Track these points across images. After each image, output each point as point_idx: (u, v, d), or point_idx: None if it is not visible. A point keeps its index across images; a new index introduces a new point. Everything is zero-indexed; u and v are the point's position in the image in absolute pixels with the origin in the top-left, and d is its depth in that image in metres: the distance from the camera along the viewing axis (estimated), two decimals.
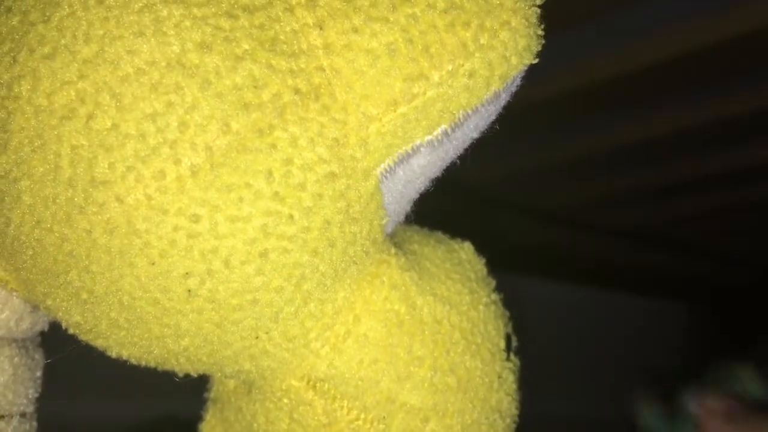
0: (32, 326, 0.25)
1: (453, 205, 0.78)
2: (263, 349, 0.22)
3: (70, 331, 0.23)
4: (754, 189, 0.78)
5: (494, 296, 0.26)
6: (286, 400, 0.23)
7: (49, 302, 0.22)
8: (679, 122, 0.62)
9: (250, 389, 0.24)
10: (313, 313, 0.22)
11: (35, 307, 0.24)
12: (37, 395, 0.27)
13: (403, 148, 0.21)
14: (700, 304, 1.27)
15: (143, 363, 0.23)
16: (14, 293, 0.23)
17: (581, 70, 0.54)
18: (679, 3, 0.47)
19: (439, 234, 0.27)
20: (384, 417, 0.23)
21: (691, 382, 0.50)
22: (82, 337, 0.22)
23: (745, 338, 1.05)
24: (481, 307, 0.25)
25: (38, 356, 0.28)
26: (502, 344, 0.25)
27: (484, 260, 0.27)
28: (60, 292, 0.21)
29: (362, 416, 0.22)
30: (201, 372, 0.23)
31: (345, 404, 0.22)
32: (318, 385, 0.22)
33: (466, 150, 0.23)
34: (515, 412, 0.26)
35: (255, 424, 0.24)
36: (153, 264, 0.20)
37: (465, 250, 0.26)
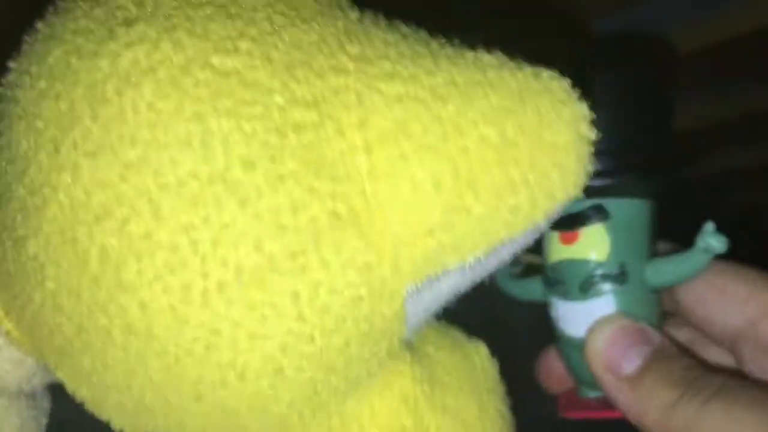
0: (43, 380, 0.25)
1: None
2: None
3: (78, 398, 0.23)
4: (753, 190, 0.78)
5: (502, 407, 0.26)
6: None
7: (59, 374, 0.22)
8: (679, 123, 0.62)
9: None
10: (321, 424, 0.22)
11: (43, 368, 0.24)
12: None
13: (434, 271, 0.21)
14: None
15: None
16: (29, 355, 0.24)
17: None
18: (678, 4, 0.47)
19: (456, 332, 0.27)
20: None
21: None
22: (88, 407, 0.23)
23: None
24: (488, 421, 0.25)
25: (45, 404, 0.28)
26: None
27: (497, 366, 0.27)
28: (71, 370, 0.21)
29: None
30: None
31: None
32: None
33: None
34: None
35: None
36: (167, 368, 0.20)
37: (480, 355, 0.26)
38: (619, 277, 0.25)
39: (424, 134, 0.19)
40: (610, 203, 0.25)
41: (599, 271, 0.25)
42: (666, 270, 0.25)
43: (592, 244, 0.25)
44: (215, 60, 0.19)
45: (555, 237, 0.25)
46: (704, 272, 0.24)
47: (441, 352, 0.25)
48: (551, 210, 0.21)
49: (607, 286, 0.25)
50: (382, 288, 0.20)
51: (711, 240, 0.24)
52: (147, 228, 0.19)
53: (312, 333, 0.20)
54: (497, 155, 0.20)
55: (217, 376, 0.20)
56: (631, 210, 0.26)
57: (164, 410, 0.21)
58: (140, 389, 0.20)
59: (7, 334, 0.23)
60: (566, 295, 0.25)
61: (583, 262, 0.25)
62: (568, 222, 0.24)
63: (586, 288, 0.25)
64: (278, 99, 0.19)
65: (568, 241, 0.25)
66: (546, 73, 0.20)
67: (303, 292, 0.19)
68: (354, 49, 0.20)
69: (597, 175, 0.22)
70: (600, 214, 0.25)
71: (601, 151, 0.23)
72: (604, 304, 0.25)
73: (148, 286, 0.19)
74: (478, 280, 0.23)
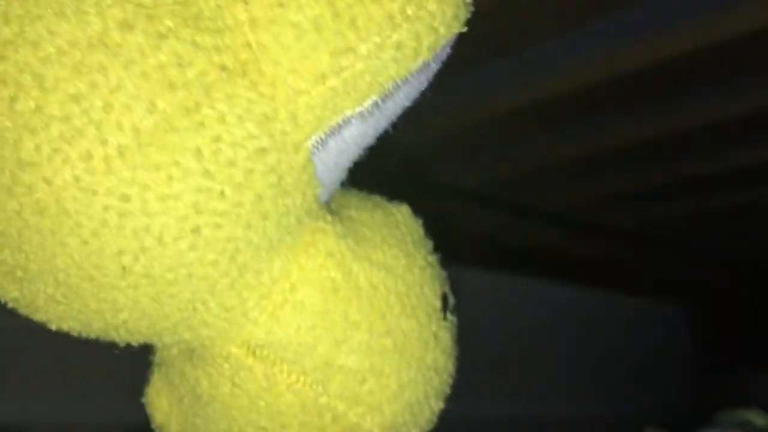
0: None
1: (452, 206, 0.78)
2: (201, 319, 0.22)
3: (10, 305, 0.23)
4: (754, 190, 0.78)
5: (430, 258, 0.26)
6: (227, 366, 0.23)
7: None
8: (679, 122, 0.62)
9: (192, 355, 0.24)
10: (249, 283, 0.22)
11: None
12: None
13: (334, 120, 0.21)
14: (701, 304, 1.27)
15: (84, 335, 0.23)
16: None
17: (581, 71, 0.54)
18: (678, 4, 0.47)
19: (377, 197, 0.27)
20: (322, 379, 0.23)
21: (700, 425, 0.50)
22: (22, 312, 0.23)
23: (745, 339, 1.05)
24: (416, 270, 0.25)
25: None
26: (438, 304, 0.26)
27: (420, 222, 0.27)
28: None
29: (301, 379, 0.23)
30: (142, 342, 0.24)
31: (284, 368, 0.23)
32: (257, 351, 0.23)
33: (399, 117, 0.24)
34: (451, 368, 0.26)
35: (198, 389, 0.24)
36: (85, 243, 0.20)
37: (402, 213, 0.27)
38: None
39: None
40: None
41: None
42: None
43: None
44: None
45: None
46: None
47: (363, 213, 0.25)
48: (436, 45, 0.21)
49: None
50: (284, 139, 0.21)
51: None
52: (36, 102, 0.19)
53: (222, 189, 0.20)
54: None
55: (135, 243, 0.20)
56: None
57: (93, 293, 0.21)
58: (64, 272, 0.21)
59: None
60: None
61: None
62: None
63: None
64: None
65: None
66: None
67: (205, 148, 0.20)
68: None
69: None
70: None
71: None
72: None
73: (48, 161, 0.19)
74: (380, 129, 0.23)
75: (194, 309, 0.22)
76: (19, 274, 0.21)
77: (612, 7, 0.46)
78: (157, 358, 0.26)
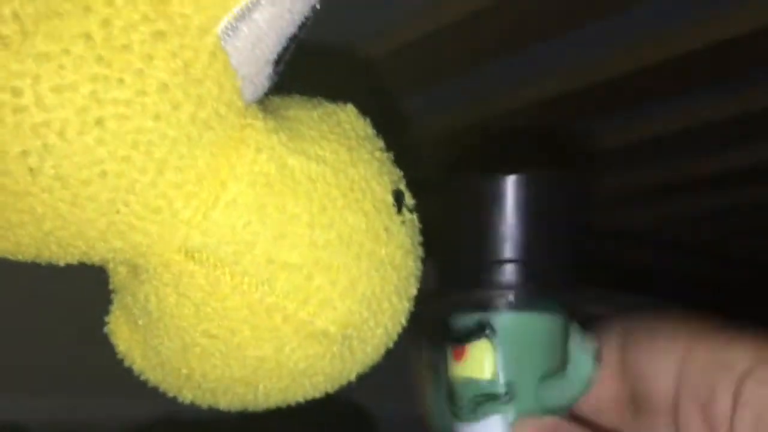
0: None
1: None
2: (129, 223, 0.21)
3: None
4: (754, 190, 0.78)
5: (379, 154, 0.25)
6: (168, 275, 0.23)
7: None
8: (678, 123, 0.62)
9: (138, 272, 0.23)
10: (173, 181, 0.21)
11: None
12: None
13: (240, 2, 0.21)
14: (701, 304, 1.27)
15: (21, 258, 0.23)
16: None
17: (581, 72, 0.54)
18: (678, 4, 0.47)
19: (321, 99, 0.26)
20: (267, 278, 0.22)
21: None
22: None
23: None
24: (360, 164, 0.24)
25: None
26: (390, 199, 0.25)
27: (368, 120, 0.26)
28: None
29: (245, 280, 0.22)
30: (80, 259, 0.23)
31: (226, 270, 0.22)
32: (196, 255, 0.22)
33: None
34: (413, 266, 0.25)
35: (148, 306, 0.24)
36: None
37: (346, 111, 0.26)
38: (506, 397, 0.24)
39: None
40: (502, 317, 0.24)
41: (486, 390, 0.24)
42: (554, 392, 0.24)
43: (479, 362, 0.24)
44: None
45: (449, 353, 0.24)
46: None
47: (300, 111, 0.25)
48: None
49: (494, 407, 0.24)
50: (186, 22, 0.20)
51: (581, 365, 0.24)
52: None
53: (120, 76, 0.19)
54: None
55: (37, 142, 0.19)
56: (523, 325, 0.24)
57: (9, 203, 0.20)
58: None
59: None
60: (459, 416, 0.24)
61: (470, 381, 0.24)
62: (458, 337, 0.24)
63: (473, 408, 0.24)
64: None
65: (458, 357, 0.24)
66: None
67: (95, 34, 0.19)
68: None
69: (495, 286, 0.22)
70: (485, 329, 0.24)
71: (500, 261, 0.23)
72: (492, 426, 0.24)
73: None
74: (297, 12, 0.22)
75: (117, 211, 0.21)
76: None
77: (611, 9, 0.47)
78: (111, 285, 0.26)
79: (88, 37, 0.19)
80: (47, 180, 0.20)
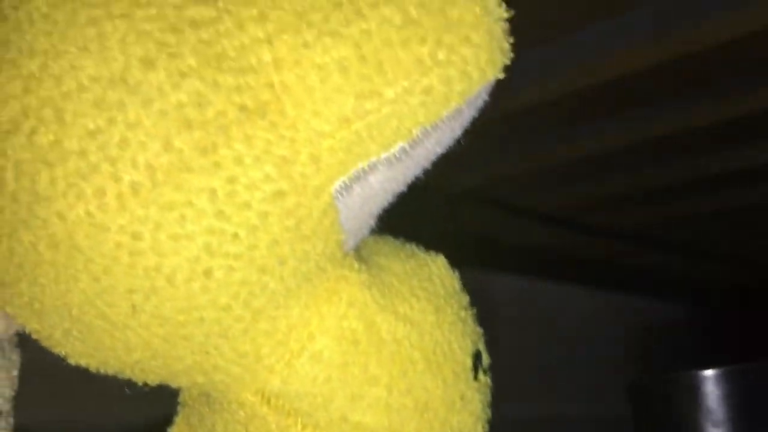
0: (7, 328, 0.25)
1: (452, 206, 0.78)
2: (214, 364, 0.22)
3: (34, 336, 0.23)
4: (754, 190, 0.78)
5: (464, 313, 0.25)
6: (241, 413, 0.23)
7: (8, 309, 0.22)
8: (678, 123, 0.62)
9: (209, 399, 0.24)
10: (264, 329, 0.21)
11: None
12: (13, 394, 0.27)
13: (359, 165, 0.21)
14: (701, 304, 1.27)
15: (103, 371, 0.23)
16: None
17: (581, 73, 0.54)
18: (677, 7, 0.47)
19: (412, 246, 0.26)
20: None
21: None
22: (44, 344, 0.23)
23: (745, 339, 1.05)
24: (446, 325, 0.24)
25: (15, 357, 0.28)
26: (469, 363, 0.25)
27: (457, 275, 0.26)
28: (15, 300, 0.21)
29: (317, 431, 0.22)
30: (158, 382, 0.24)
31: (298, 420, 0.22)
32: (272, 400, 0.22)
33: (433, 163, 0.23)
34: (481, 430, 0.25)
35: (214, 429, 0.24)
36: (97, 280, 0.20)
37: (437, 264, 0.26)
38: None
39: (324, 21, 0.19)
40: None
41: None
42: None
43: None
44: None
45: None
46: None
47: (393, 261, 0.25)
48: (469, 91, 0.21)
49: None
50: (305, 182, 0.20)
51: None
52: (55, 136, 0.19)
53: (236, 231, 0.20)
54: (401, 35, 0.20)
55: (146, 282, 0.20)
56: None
57: (106, 329, 0.21)
58: (78, 308, 0.20)
59: None
60: None
61: None
62: None
63: None
64: None
65: None
66: None
67: (219, 189, 0.19)
68: None
69: None
70: None
71: None
72: None
73: (63, 196, 0.19)
74: (410, 175, 0.22)
75: (207, 353, 0.21)
76: (37, 306, 0.21)
77: (612, 10, 0.47)
78: (180, 398, 0.26)
79: (213, 192, 0.19)
80: (146, 317, 0.21)
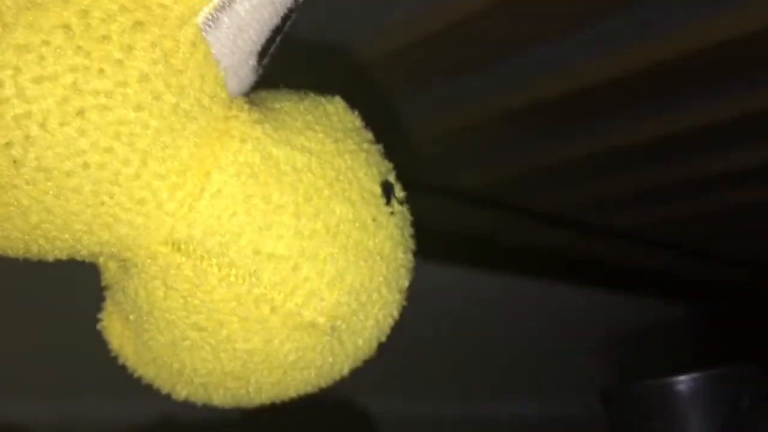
0: None
1: (453, 206, 0.78)
2: (114, 215, 0.22)
3: None
4: (753, 190, 0.78)
5: (368, 145, 0.25)
6: (155, 268, 0.23)
7: None
8: (679, 123, 0.62)
9: (126, 267, 0.24)
10: (157, 172, 0.21)
11: None
12: None
13: None
14: (701, 304, 1.27)
15: (11, 253, 0.23)
16: None
17: (581, 72, 0.54)
18: (676, 7, 0.47)
19: (308, 92, 0.26)
20: (253, 269, 0.22)
21: None
22: None
23: (744, 339, 1.05)
24: (347, 155, 0.24)
25: None
26: (378, 190, 0.25)
27: (357, 114, 0.26)
28: None
29: (232, 271, 0.22)
30: (70, 255, 0.23)
31: (213, 262, 0.22)
32: (182, 246, 0.22)
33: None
34: (403, 258, 0.25)
35: (138, 300, 0.24)
36: None
37: (334, 104, 0.26)
38: None
39: None
40: None
41: None
42: None
43: None
44: None
45: None
46: None
47: (285, 102, 0.25)
48: None
49: None
50: (164, 12, 0.21)
51: None
52: None
53: (100, 67, 0.20)
54: None
55: (20, 132, 0.20)
56: None
57: None
58: None
59: None
60: None
61: None
62: None
63: None
64: None
65: None
66: None
67: (74, 24, 0.19)
68: None
69: None
70: None
71: None
72: None
73: None
74: (281, 4, 0.23)
75: (102, 203, 0.21)
76: None
77: (611, 9, 0.47)
78: (102, 282, 0.26)
79: (67, 27, 0.19)
80: (31, 172, 0.20)
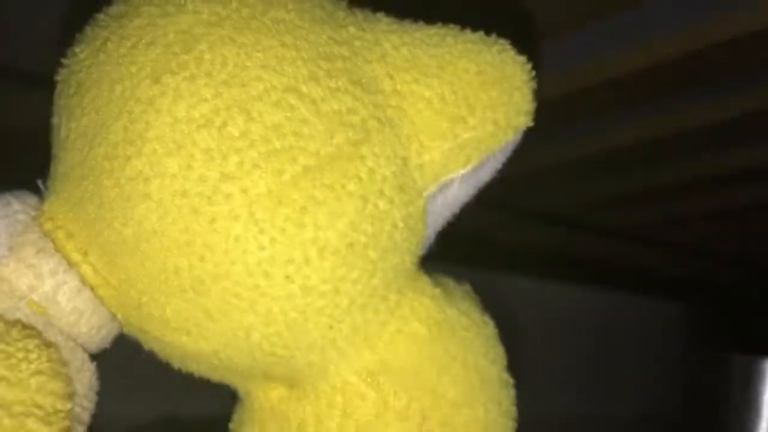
0: (103, 338, 0.27)
1: None
2: (332, 340, 0.25)
3: (146, 331, 0.25)
4: (753, 191, 0.78)
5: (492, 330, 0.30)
6: (339, 397, 0.25)
7: (144, 299, 0.24)
8: (678, 123, 0.62)
9: (296, 394, 0.26)
10: (376, 308, 0.25)
11: (112, 318, 0.26)
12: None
13: (446, 177, 0.26)
14: (700, 304, 1.27)
15: (207, 365, 0.26)
16: (102, 298, 0.25)
17: (581, 72, 0.54)
18: (679, 5, 0.47)
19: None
20: (429, 406, 0.25)
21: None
22: (162, 334, 0.25)
23: (743, 339, 1.05)
24: (490, 327, 0.29)
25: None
26: (504, 361, 0.29)
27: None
28: (163, 285, 0.24)
29: (412, 405, 0.25)
30: (263, 370, 0.26)
31: (396, 395, 0.25)
32: (370, 378, 0.25)
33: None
34: (513, 425, 0.29)
35: (303, 429, 0.26)
36: (263, 249, 0.23)
37: (466, 286, 0.31)
38: None
39: (427, 66, 0.26)
40: None
41: None
42: None
43: None
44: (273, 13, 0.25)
45: None
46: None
47: (439, 277, 0.29)
48: (518, 128, 0.28)
49: None
50: (413, 184, 0.26)
51: None
52: (241, 129, 0.23)
53: (372, 213, 0.24)
54: (479, 80, 0.27)
55: (301, 254, 0.24)
56: None
57: (253, 302, 0.24)
58: (236, 282, 0.24)
59: (84, 276, 0.25)
60: None
61: None
62: None
63: None
64: (322, 39, 0.25)
65: None
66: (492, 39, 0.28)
67: (364, 176, 0.24)
68: (356, 19, 0.27)
69: None
70: None
71: None
72: None
73: (248, 174, 0.23)
74: (465, 198, 0.28)
75: (331, 327, 0.25)
76: (188, 283, 0.24)
77: (612, 10, 0.47)
78: (245, 415, 0.28)
79: (359, 178, 0.24)
80: (295, 288, 0.24)
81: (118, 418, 0.63)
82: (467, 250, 0.90)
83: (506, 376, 0.28)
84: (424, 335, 0.26)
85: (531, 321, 1.01)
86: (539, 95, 0.59)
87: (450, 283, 0.29)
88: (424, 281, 0.27)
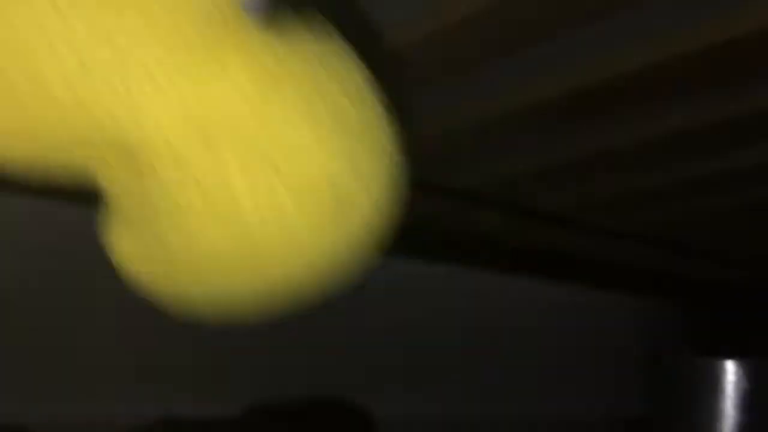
0: None
1: (453, 206, 0.78)
2: (138, 102, 0.23)
3: None
4: (753, 191, 0.78)
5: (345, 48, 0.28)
6: (171, 159, 0.24)
7: None
8: (679, 123, 0.62)
9: (141, 170, 0.25)
10: (187, 59, 0.23)
11: None
12: None
13: None
14: (699, 304, 1.27)
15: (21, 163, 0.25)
16: None
17: (581, 73, 0.54)
18: (679, 5, 0.47)
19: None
20: (274, 157, 0.24)
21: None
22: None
23: (742, 339, 1.05)
24: (351, 65, 0.27)
25: None
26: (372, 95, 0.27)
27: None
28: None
29: (251, 156, 0.24)
30: (84, 157, 0.25)
31: (233, 153, 0.24)
32: (198, 132, 0.24)
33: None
34: (394, 149, 0.28)
35: (154, 198, 0.25)
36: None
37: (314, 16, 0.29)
38: None
39: None
40: None
41: None
42: None
43: None
44: None
45: None
46: None
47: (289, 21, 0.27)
48: None
49: None
50: None
51: None
52: None
53: None
54: None
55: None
56: None
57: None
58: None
59: None
60: None
61: None
62: None
63: None
64: None
65: None
66: None
67: None
68: None
69: None
70: None
71: None
72: None
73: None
74: None
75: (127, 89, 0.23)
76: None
77: (612, 9, 0.47)
78: (107, 214, 0.27)
79: None
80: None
81: (118, 418, 0.63)
82: (467, 250, 0.90)
83: (373, 111, 0.28)
84: (249, 77, 0.24)
85: (528, 321, 1.01)
86: (539, 95, 0.59)
87: (299, 22, 0.27)
88: (251, 31, 0.25)
